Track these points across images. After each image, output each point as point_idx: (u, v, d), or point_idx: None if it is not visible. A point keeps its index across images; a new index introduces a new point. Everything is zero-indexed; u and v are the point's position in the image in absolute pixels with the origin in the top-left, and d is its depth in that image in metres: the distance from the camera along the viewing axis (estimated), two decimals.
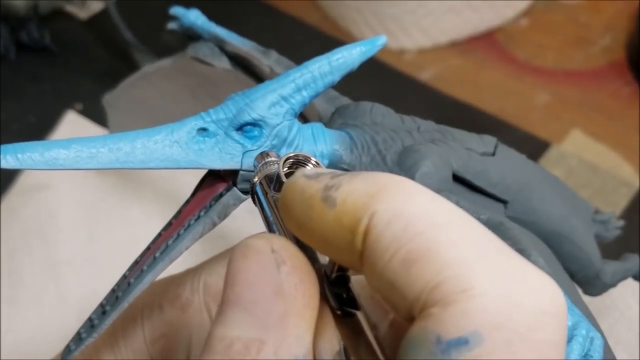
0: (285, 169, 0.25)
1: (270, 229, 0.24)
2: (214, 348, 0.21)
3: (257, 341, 0.20)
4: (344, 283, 0.22)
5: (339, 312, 0.22)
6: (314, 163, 0.25)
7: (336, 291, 0.22)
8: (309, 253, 0.22)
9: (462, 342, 0.18)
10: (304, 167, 0.25)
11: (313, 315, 0.21)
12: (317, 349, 0.21)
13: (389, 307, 0.20)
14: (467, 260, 0.18)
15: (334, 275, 0.22)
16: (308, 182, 0.21)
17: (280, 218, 0.24)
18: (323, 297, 0.22)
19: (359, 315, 0.21)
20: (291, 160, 0.25)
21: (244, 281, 0.21)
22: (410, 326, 0.19)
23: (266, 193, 0.25)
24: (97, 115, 0.58)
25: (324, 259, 0.22)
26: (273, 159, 0.27)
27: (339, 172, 0.21)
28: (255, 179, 0.26)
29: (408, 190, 0.20)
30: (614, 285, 0.37)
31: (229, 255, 0.32)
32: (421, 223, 0.19)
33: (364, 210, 0.19)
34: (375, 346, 0.21)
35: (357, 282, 0.22)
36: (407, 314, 0.19)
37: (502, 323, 0.18)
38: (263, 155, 0.27)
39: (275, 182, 0.25)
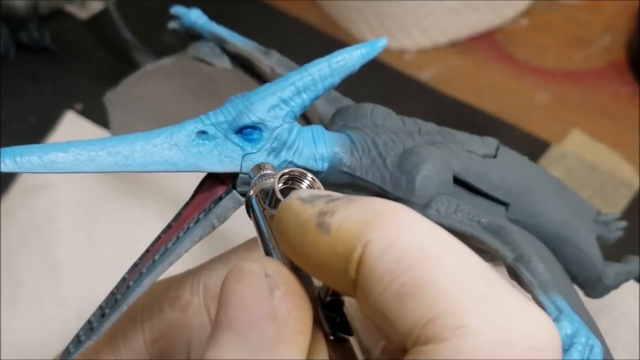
0: (281, 184, 0.24)
1: (264, 244, 0.24)
2: None
3: None
4: (338, 307, 0.22)
5: (332, 337, 0.21)
6: (310, 179, 0.25)
7: (330, 315, 0.22)
8: (303, 275, 0.22)
9: None
10: (300, 183, 0.25)
11: (306, 340, 0.21)
12: None
13: (382, 336, 0.20)
14: (460, 295, 0.18)
15: (328, 298, 0.22)
16: (303, 206, 0.21)
17: (275, 236, 0.23)
18: (316, 321, 0.22)
19: (352, 340, 0.21)
20: (286, 176, 0.25)
21: (237, 304, 0.21)
22: (403, 359, 0.19)
23: (262, 208, 0.25)
24: (97, 115, 0.58)
25: (318, 282, 0.22)
26: (269, 171, 0.27)
27: (334, 195, 0.21)
28: (251, 193, 0.26)
29: (402, 218, 0.20)
30: (615, 287, 0.37)
31: (229, 257, 0.33)
32: (415, 255, 0.19)
33: (358, 239, 0.19)
34: None
35: (351, 304, 0.22)
36: (399, 345, 0.19)
37: None
38: (260, 167, 0.27)
39: (270, 197, 0.25)
